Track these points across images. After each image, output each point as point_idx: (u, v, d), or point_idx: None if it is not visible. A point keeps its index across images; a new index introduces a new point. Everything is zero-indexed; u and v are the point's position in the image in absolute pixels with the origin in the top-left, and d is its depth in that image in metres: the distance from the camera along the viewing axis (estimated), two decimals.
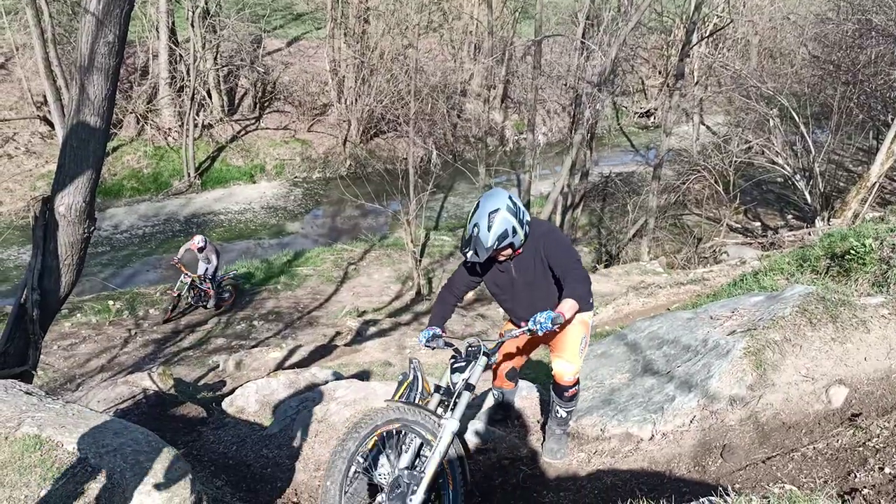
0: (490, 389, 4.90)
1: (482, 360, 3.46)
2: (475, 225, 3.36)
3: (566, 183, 16.11)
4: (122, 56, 4.90)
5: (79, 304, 13.63)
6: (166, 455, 3.57)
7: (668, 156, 16.99)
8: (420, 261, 14.70)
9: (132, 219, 19.66)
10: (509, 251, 3.53)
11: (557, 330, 3.67)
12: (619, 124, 26.79)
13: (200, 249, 12.68)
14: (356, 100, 24.32)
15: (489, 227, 3.34)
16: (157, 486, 3.58)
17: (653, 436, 4.00)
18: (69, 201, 4.87)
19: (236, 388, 6.72)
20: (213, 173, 22.42)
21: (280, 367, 9.26)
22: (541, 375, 6.13)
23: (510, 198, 3.43)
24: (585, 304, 3.70)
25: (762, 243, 16.53)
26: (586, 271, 3.62)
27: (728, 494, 2.39)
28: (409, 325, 12.60)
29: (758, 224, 19.72)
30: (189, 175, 21.62)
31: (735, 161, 18.46)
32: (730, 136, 19.72)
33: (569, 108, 21.45)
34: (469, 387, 3.44)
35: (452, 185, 22.68)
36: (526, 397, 4.93)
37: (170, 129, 22.70)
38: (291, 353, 10.10)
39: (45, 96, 19.47)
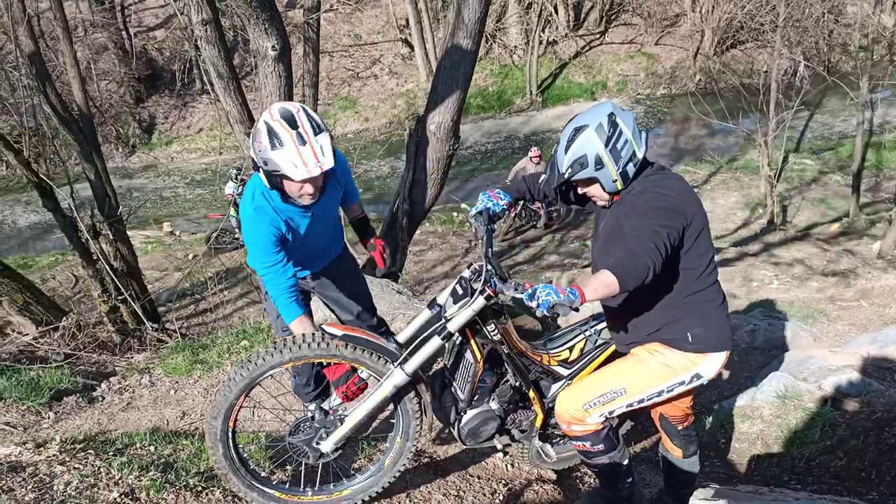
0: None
1: (478, 302, 2.55)
2: (559, 141, 2.45)
3: None
4: None
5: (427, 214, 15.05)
6: None
7: None
8: (775, 186, 13.11)
9: (476, 135, 20.84)
10: (596, 190, 2.46)
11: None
12: None
13: (538, 160, 12.79)
14: (713, 7, 22.12)
15: (567, 147, 2.39)
16: None
17: None
18: (439, 120, 5.21)
19: None
20: (554, 90, 22.59)
21: None
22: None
23: (611, 115, 2.35)
24: (672, 333, 2.56)
25: None
26: (663, 238, 2.23)
27: None
28: (756, 255, 11.48)
29: None
30: (531, 92, 22.09)
31: None
32: None
33: None
34: (444, 333, 2.62)
35: (821, 102, 19.60)
36: None
37: (515, 46, 23.32)
38: None
39: (407, 19, 21.39)
